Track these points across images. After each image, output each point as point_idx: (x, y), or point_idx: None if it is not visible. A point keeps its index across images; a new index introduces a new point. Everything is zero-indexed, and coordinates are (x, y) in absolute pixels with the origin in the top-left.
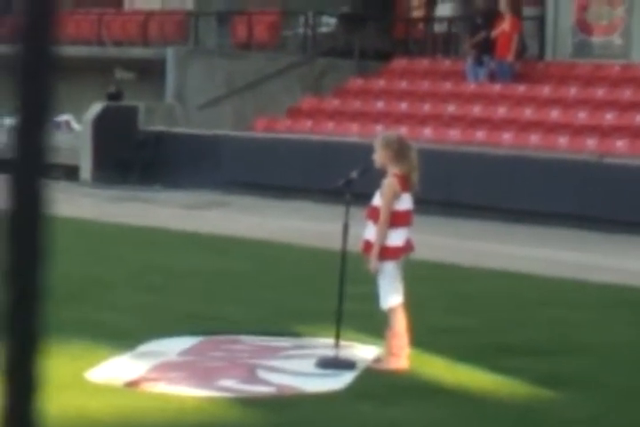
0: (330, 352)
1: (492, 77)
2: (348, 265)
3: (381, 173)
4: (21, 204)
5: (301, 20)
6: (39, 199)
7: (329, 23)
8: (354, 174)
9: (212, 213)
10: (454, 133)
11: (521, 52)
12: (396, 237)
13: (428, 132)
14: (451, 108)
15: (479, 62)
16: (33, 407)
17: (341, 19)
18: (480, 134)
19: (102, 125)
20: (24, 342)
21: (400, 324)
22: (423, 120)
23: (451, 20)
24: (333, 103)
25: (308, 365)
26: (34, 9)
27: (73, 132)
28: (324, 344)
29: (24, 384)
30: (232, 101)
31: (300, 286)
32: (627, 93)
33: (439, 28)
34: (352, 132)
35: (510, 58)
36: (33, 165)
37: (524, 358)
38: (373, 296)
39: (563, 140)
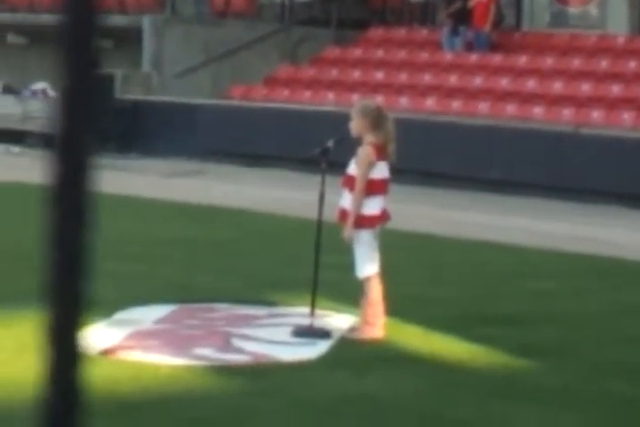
0: (305, 321)
1: (469, 47)
2: (325, 234)
3: (357, 142)
4: (66, 179)
5: None
6: (84, 174)
7: None
8: (330, 143)
9: (188, 181)
10: (430, 103)
11: (498, 21)
12: (373, 206)
13: (404, 101)
14: (427, 78)
15: (455, 32)
16: (78, 375)
17: None
18: (456, 104)
19: None
20: (68, 312)
21: (376, 293)
22: (399, 89)
23: None
24: (310, 72)
25: (284, 333)
26: None
27: (49, 99)
28: (299, 313)
29: (68, 353)
30: (209, 70)
31: (276, 255)
32: (603, 64)
33: None
34: (328, 101)
35: (487, 28)
36: (78, 139)
37: (499, 327)
38: (349, 265)
39: (539, 111)
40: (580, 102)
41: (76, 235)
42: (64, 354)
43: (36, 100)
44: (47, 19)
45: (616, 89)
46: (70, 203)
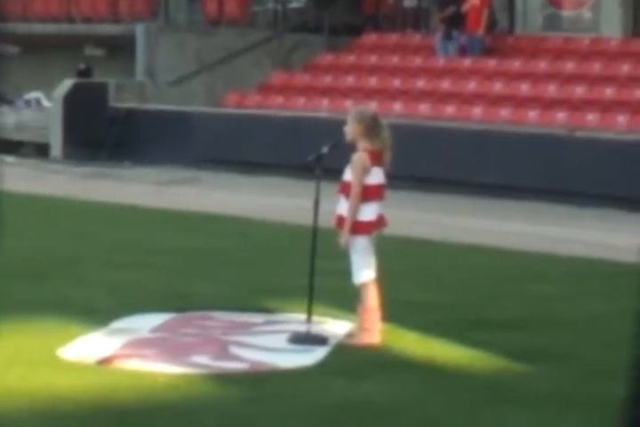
0: (302, 328)
1: (463, 52)
2: (320, 240)
3: (352, 148)
4: None
5: None
6: None
7: None
8: (324, 149)
9: (182, 189)
10: (424, 108)
11: (491, 26)
12: (368, 212)
13: (398, 106)
14: (420, 83)
15: (448, 37)
16: None
17: None
18: (450, 109)
19: (72, 102)
20: None
21: (372, 299)
22: (393, 95)
23: None
24: (303, 79)
25: (281, 340)
26: None
27: (43, 109)
28: (295, 320)
29: None
30: (202, 78)
31: (272, 262)
32: (596, 67)
33: (409, 2)
34: (322, 108)
35: (481, 32)
36: None
37: (497, 332)
38: (345, 271)
39: (533, 114)
40: (574, 105)
41: None
42: None
43: (29, 110)
44: (40, 28)
45: (610, 92)
46: None
